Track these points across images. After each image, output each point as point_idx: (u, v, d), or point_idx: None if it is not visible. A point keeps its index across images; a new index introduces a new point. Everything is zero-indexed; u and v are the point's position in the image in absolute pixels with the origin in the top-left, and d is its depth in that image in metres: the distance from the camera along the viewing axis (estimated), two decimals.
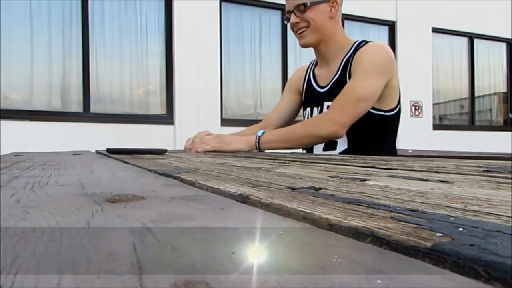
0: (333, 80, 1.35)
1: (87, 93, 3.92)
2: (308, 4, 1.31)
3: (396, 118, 1.35)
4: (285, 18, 1.40)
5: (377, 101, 1.27)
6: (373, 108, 1.28)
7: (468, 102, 6.15)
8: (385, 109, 1.31)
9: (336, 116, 1.22)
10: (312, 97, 1.44)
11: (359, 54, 1.29)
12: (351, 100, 1.22)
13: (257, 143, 1.28)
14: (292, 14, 1.34)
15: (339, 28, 1.37)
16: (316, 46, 1.39)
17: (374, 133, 1.31)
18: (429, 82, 5.69)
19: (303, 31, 1.34)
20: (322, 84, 1.41)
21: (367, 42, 1.34)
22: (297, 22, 1.34)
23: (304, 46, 1.38)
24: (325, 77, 1.39)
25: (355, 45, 1.34)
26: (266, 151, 1.29)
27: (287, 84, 1.63)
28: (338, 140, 1.32)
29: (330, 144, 1.34)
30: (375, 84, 1.24)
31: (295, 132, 1.29)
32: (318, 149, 1.38)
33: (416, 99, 5.54)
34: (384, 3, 5.25)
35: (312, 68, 1.49)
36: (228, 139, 1.31)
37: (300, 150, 1.47)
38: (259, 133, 1.29)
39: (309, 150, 1.43)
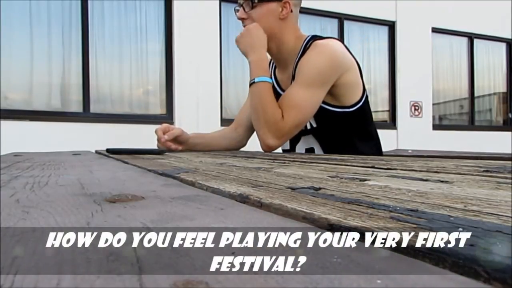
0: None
1: (87, 93, 3.92)
2: (256, 1, 1.26)
3: (364, 109, 1.29)
4: (235, 10, 1.34)
5: (336, 100, 1.24)
6: (335, 106, 1.24)
7: (468, 102, 6.15)
8: (347, 104, 1.25)
9: (275, 139, 1.19)
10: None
11: (302, 59, 1.24)
12: (293, 123, 1.19)
13: (251, 81, 1.23)
14: (241, 9, 1.30)
15: (291, 30, 1.30)
16: None
17: (346, 130, 1.27)
18: (429, 82, 5.69)
19: None
20: (286, 89, 1.35)
21: (315, 39, 1.27)
22: (243, 18, 1.29)
23: None
24: (286, 83, 1.35)
25: (303, 45, 1.27)
26: None
27: None
28: (315, 147, 1.30)
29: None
30: (316, 99, 1.20)
31: (259, 112, 1.22)
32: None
33: (415, 99, 5.54)
34: (384, 3, 5.25)
35: (273, 70, 1.43)
36: (251, 42, 1.25)
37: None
38: (262, 79, 1.22)
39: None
